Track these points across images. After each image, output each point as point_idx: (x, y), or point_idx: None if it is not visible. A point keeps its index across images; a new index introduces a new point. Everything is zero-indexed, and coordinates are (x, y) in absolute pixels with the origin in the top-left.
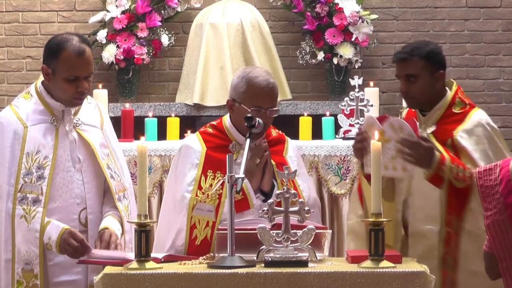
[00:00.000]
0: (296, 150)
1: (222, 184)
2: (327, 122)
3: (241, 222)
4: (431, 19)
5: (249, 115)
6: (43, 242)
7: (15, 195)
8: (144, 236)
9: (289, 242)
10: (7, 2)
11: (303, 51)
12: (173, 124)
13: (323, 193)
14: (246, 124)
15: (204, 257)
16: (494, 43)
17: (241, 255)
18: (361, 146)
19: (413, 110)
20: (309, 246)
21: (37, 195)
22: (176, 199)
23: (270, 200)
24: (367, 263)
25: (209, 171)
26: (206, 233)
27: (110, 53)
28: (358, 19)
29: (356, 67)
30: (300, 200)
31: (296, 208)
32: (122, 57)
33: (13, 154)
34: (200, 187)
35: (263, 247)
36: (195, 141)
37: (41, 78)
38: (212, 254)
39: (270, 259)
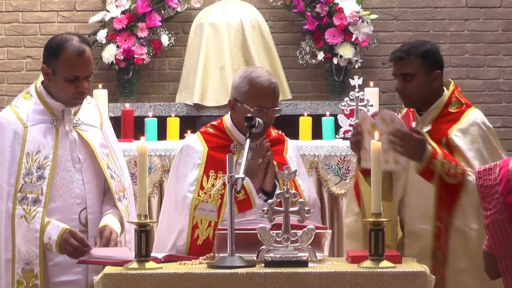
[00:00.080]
0: (296, 150)
1: (224, 184)
2: (327, 122)
3: (241, 222)
4: (431, 19)
5: (249, 115)
6: (43, 242)
7: (15, 195)
8: (144, 236)
9: (289, 242)
10: (7, 2)
11: (303, 51)
12: (173, 124)
13: (323, 193)
14: (246, 124)
15: (204, 257)
16: (494, 43)
17: (241, 255)
18: (356, 140)
19: (410, 109)
20: (309, 246)
21: (37, 195)
22: (178, 199)
23: (270, 200)
24: (367, 263)
25: (211, 171)
26: (208, 233)
27: (110, 53)
28: (358, 19)
29: (356, 67)
30: (300, 200)
31: (296, 208)
32: (122, 57)
33: (13, 154)
34: (202, 187)
35: (263, 247)
36: (196, 141)
37: (41, 78)
38: (212, 254)
39: (270, 259)
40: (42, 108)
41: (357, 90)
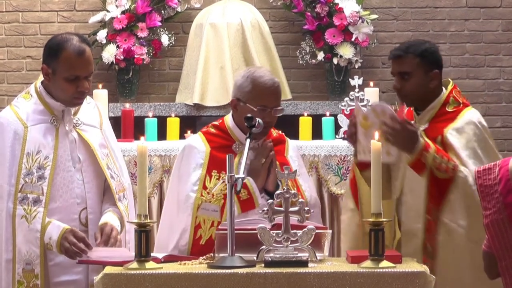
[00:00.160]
0: (296, 150)
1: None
2: (327, 122)
3: (241, 222)
4: (431, 19)
5: (249, 115)
6: (43, 242)
7: (15, 195)
8: (144, 236)
9: (289, 242)
10: (7, 2)
11: (303, 51)
12: (173, 124)
13: (323, 193)
14: (246, 124)
15: (204, 257)
16: (494, 43)
17: (241, 255)
18: (351, 132)
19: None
20: (309, 246)
21: (38, 195)
22: (180, 199)
23: (270, 200)
24: (367, 263)
25: (213, 171)
26: (211, 233)
27: (110, 53)
28: (358, 19)
29: (356, 67)
30: (300, 200)
31: (296, 208)
32: (122, 57)
33: (13, 154)
34: (205, 187)
35: (263, 247)
36: (198, 141)
37: (41, 78)
38: (212, 254)
39: (270, 259)
40: (42, 108)
41: (357, 90)
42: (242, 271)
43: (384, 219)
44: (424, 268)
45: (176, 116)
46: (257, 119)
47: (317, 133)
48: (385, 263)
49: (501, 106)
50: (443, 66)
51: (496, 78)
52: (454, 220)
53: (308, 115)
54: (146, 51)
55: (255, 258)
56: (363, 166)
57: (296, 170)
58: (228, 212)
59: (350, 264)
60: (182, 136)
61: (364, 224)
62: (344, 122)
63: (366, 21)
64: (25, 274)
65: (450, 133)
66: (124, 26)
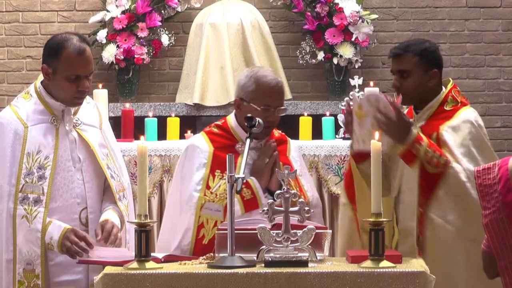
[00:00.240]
0: (298, 150)
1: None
2: (327, 122)
3: (241, 222)
4: (431, 19)
5: (249, 115)
6: (44, 242)
7: (16, 195)
8: (144, 236)
9: (289, 242)
10: (7, 2)
11: (303, 51)
12: (173, 124)
13: (323, 193)
14: (246, 124)
15: (204, 257)
16: (494, 43)
17: (241, 255)
18: (347, 120)
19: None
20: (309, 246)
21: (38, 195)
22: (184, 199)
23: (270, 200)
24: (367, 263)
25: (217, 171)
26: (214, 233)
27: (110, 53)
28: (358, 19)
29: (356, 67)
30: (300, 200)
31: (296, 208)
32: (122, 57)
33: (13, 154)
34: (208, 187)
35: (263, 247)
36: (201, 141)
37: (40, 78)
38: (212, 254)
39: (270, 259)
40: (42, 108)
41: (357, 90)
42: (242, 271)
43: (384, 219)
44: (424, 268)
45: (176, 116)
46: (257, 119)
47: (317, 133)
48: (385, 263)
49: (501, 106)
50: (443, 65)
51: (496, 78)
52: (442, 216)
53: (308, 115)
54: (146, 51)
55: (255, 258)
56: (359, 158)
57: (296, 170)
58: (228, 212)
59: (350, 264)
60: (182, 136)
61: (359, 218)
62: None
63: (366, 21)
64: (26, 274)
65: (446, 131)
66: (124, 26)
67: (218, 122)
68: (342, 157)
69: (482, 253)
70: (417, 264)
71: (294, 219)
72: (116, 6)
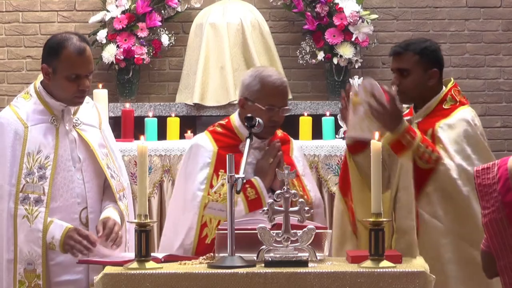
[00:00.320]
0: (300, 150)
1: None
2: (327, 122)
3: (241, 222)
4: (431, 19)
5: (249, 115)
6: (46, 242)
7: (16, 195)
8: (144, 236)
9: (289, 242)
10: (7, 2)
11: (303, 51)
12: (173, 124)
13: (323, 193)
14: (246, 124)
15: (204, 257)
16: (494, 43)
17: (241, 255)
18: (343, 106)
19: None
20: (309, 246)
21: (39, 195)
22: (187, 198)
23: (270, 200)
24: (367, 263)
25: (221, 170)
26: None
27: (110, 53)
28: (358, 19)
29: (356, 67)
30: (300, 200)
31: (296, 208)
32: (122, 57)
33: (14, 154)
34: (212, 186)
35: (263, 247)
36: (205, 141)
37: (40, 78)
38: (212, 254)
39: (270, 259)
40: (42, 108)
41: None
42: (242, 271)
43: (384, 219)
44: (424, 268)
45: (176, 116)
46: (257, 119)
47: (317, 133)
48: (385, 263)
49: (501, 106)
50: (444, 65)
51: (496, 78)
52: (431, 212)
53: (308, 115)
54: (146, 51)
55: (255, 258)
56: (354, 149)
57: (295, 170)
58: (228, 212)
59: (350, 264)
60: (182, 136)
61: (355, 212)
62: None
63: (366, 21)
64: (27, 274)
65: (441, 127)
66: (124, 26)
67: (222, 122)
68: (342, 157)
69: (482, 252)
70: (417, 264)
71: (294, 219)
72: (116, 6)
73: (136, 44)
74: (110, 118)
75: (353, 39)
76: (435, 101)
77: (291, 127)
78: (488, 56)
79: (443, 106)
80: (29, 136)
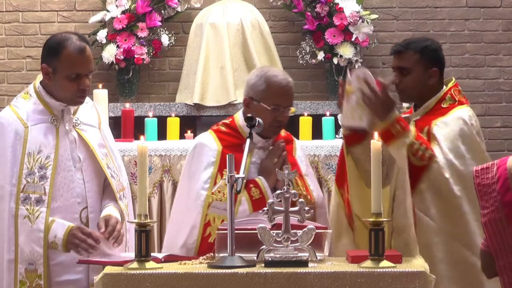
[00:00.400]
0: (303, 150)
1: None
2: (327, 122)
3: (241, 222)
4: (431, 19)
5: (249, 115)
6: (47, 242)
7: (17, 195)
8: (144, 236)
9: (289, 242)
10: (7, 2)
11: (303, 51)
12: (173, 124)
13: (323, 193)
14: (246, 124)
15: (204, 257)
16: (494, 43)
17: (241, 255)
18: (339, 94)
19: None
20: (309, 246)
21: (40, 195)
22: (191, 197)
23: (270, 200)
24: (367, 263)
25: (225, 170)
26: None
27: (110, 53)
28: (358, 19)
29: (356, 67)
30: (300, 200)
31: (296, 208)
32: (122, 57)
33: (14, 154)
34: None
35: (263, 247)
36: (210, 140)
37: (39, 78)
38: (212, 254)
39: (270, 259)
40: (42, 108)
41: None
42: (242, 271)
43: (384, 219)
44: (424, 268)
45: (176, 116)
46: (257, 119)
47: (317, 133)
48: (385, 263)
49: (501, 106)
50: (445, 64)
51: (496, 78)
52: (424, 210)
53: (308, 115)
54: (146, 51)
55: (255, 258)
56: (350, 141)
57: (295, 170)
58: (228, 212)
59: (350, 264)
60: (182, 136)
61: (351, 205)
62: None
63: (366, 21)
64: (28, 274)
65: (437, 125)
66: (124, 26)
67: (226, 121)
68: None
69: (481, 252)
70: (417, 264)
71: (294, 219)
72: (116, 6)
73: (136, 44)
74: (110, 118)
75: (353, 39)
76: (434, 100)
77: (291, 127)
78: (488, 56)
79: (442, 105)
80: (30, 136)
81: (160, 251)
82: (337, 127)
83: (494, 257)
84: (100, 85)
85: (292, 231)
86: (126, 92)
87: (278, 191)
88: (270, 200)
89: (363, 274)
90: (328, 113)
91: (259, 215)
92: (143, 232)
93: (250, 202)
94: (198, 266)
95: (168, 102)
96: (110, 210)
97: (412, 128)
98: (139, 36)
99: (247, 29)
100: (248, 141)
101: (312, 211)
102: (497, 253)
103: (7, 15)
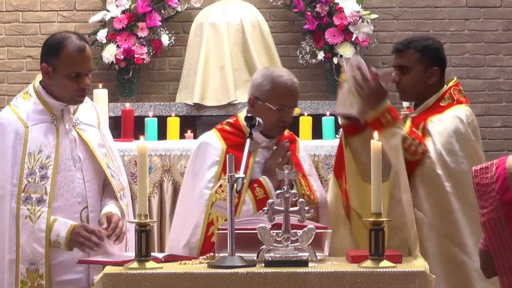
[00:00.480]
0: (306, 149)
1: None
2: (327, 122)
3: (241, 222)
4: (431, 18)
5: (249, 115)
6: (49, 242)
7: (18, 195)
8: (144, 236)
9: (289, 242)
10: (7, 2)
11: (303, 51)
12: (173, 124)
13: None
14: (246, 124)
15: (204, 257)
16: (494, 42)
17: (241, 255)
18: (339, 84)
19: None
20: (309, 245)
21: (41, 194)
22: (195, 196)
23: (270, 200)
24: (367, 263)
25: None
26: None
27: (110, 53)
28: (358, 18)
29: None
30: (300, 200)
31: (296, 208)
32: (122, 57)
33: (15, 154)
34: (220, 185)
35: (263, 247)
36: (214, 139)
37: (39, 78)
38: (212, 254)
39: (270, 259)
40: (42, 108)
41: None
42: (242, 271)
43: (384, 219)
44: (424, 268)
45: (176, 115)
46: (257, 119)
47: (317, 133)
48: (385, 263)
49: (501, 106)
50: (446, 64)
51: (496, 78)
52: (417, 205)
53: (308, 115)
54: (146, 51)
55: (255, 258)
56: (348, 132)
57: (295, 170)
58: (228, 212)
59: (350, 264)
60: (182, 136)
61: (349, 196)
62: None
63: (366, 21)
64: (29, 274)
65: (432, 121)
66: (124, 26)
67: (230, 120)
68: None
69: (480, 252)
70: (417, 264)
71: (294, 219)
72: (116, 6)
73: (136, 44)
74: (110, 118)
75: (353, 39)
76: (433, 98)
77: (291, 127)
78: (488, 56)
79: (440, 104)
80: (30, 136)
81: (160, 251)
82: (337, 127)
83: (493, 256)
84: (100, 85)
85: (292, 231)
86: (126, 92)
87: (278, 191)
88: (270, 200)
89: (363, 274)
90: (328, 113)
91: (260, 215)
92: (143, 232)
93: (254, 201)
94: (198, 266)
95: (168, 102)
96: (111, 207)
97: (408, 123)
98: (139, 36)
99: (247, 29)
100: (248, 141)
101: (312, 211)
102: (496, 252)
103: (7, 15)
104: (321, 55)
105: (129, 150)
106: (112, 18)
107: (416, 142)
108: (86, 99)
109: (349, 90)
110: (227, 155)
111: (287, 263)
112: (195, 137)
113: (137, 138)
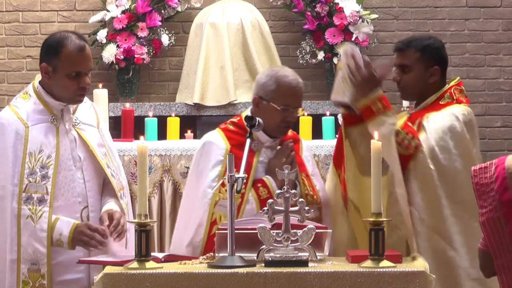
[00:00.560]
0: (309, 149)
1: (246, 182)
2: (327, 122)
3: (241, 222)
4: (431, 18)
5: (249, 114)
6: (50, 241)
7: (19, 195)
8: (144, 236)
9: (289, 242)
10: (7, 2)
11: (303, 51)
12: (173, 124)
13: None
14: (246, 123)
15: (204, 257)
16: (494, 42)
17: (241, 255)
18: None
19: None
20: (309, 245)
21: (43, 194)
22: (198, 195)
23: (270, 200)
24: (367, 263)
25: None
26: None
27: (110, 53)
28: (358, 18)
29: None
30: (300, 200)
31: (296, 208)
32: (122, 56)
33: (15, 154)
34: (223, 184)
35: (263, 246)
36: (218, 138)
37: (38, 77)
38: (212, 254)
39: (270, 259)
40: (42, 108)
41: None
42: (242, 271)
43: (384, 219)
44: (424, 268)
45: (176, 115)
46: (257, 119)
47: (317, 133)
48: (385, 263)
49: (501, 106)
50: (447, 63)
51: (496, 78)
52: (409, 199)
53: (308, 115)
54: (146, 51)
55: (255, 258)
56: (348, 122)
57: (296, 170)
58: (228, 212)
59: (350, 264)
60: (182, 136)
61: (347, 188)
62: None
63: (366, 21)
64: (31, 274)
65: (428, 118)
66: (124, 26)
67: (234, 119)
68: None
69: (479, 251)
70: (417, 264)
71: (294, 219)
72: (116, 6)
73: (136, 44)
74: (110, 118)
75: (353, 39)
76: (433, 97)
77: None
78: (488, 56)
79: (439, 102)
80: (30, 136)
81: (160, 251)
82: (337, 126)
83: (493, 256)
84: (100, 85)
85: (292, 231)
86: (126, 92)
87: (278, 191)
88: (270, 200)
89: (363, 274)
90: (328, 113)
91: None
92: (143, 232)
93: (257, 201)
94: (198, 266)
95: (168, 102)
96: (111, 205)
97: (403, 118)
98: (139, 36)
99: (247, 29)
100: (248, 141)
101: (313, 211)
102: (496, 252)
103: (7, 15)
104: (321, 55)
105: (129, 150)
106: (112, 18)
107: (409, 137)
108: (85, 99)
109: (342, 77)
110: (228, 155)
111: (287, 263)
112: (195, 137)
113: (137, 138)
